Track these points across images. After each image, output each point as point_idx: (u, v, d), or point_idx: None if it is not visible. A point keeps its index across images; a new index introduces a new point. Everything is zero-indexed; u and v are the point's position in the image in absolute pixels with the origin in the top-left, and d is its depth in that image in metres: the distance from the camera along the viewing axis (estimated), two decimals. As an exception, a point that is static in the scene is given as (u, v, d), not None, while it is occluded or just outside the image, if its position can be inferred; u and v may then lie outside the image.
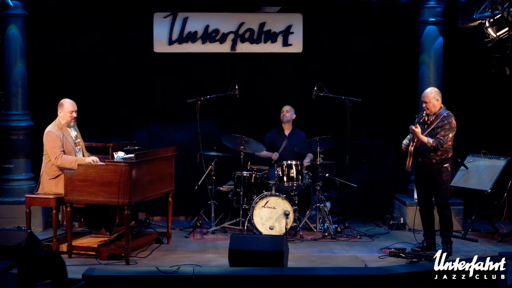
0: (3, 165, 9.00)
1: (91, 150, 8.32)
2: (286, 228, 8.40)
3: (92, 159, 7.66)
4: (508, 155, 8.85)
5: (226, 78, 9.37)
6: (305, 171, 8.87)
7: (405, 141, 7.87)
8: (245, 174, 8.90)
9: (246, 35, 9.70)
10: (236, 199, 8.90)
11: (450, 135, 7.70)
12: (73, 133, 7.92)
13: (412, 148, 7.71)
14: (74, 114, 7.85)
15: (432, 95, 7.75)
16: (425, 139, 7.63)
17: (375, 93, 9.89)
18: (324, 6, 9.60)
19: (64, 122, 7.82)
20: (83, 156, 7.92)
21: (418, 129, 7.62)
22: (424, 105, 7.78)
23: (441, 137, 7.63)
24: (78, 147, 7.95)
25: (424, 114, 7.78)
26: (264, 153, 9.35)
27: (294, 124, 9.50)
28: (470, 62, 9.66)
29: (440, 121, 7.69)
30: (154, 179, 7.88)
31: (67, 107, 7.82)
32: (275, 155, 9.31)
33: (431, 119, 7.78)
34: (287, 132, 9.49)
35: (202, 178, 8.97)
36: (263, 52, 9.78)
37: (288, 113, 9.42)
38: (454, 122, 7.72)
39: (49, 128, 7.79)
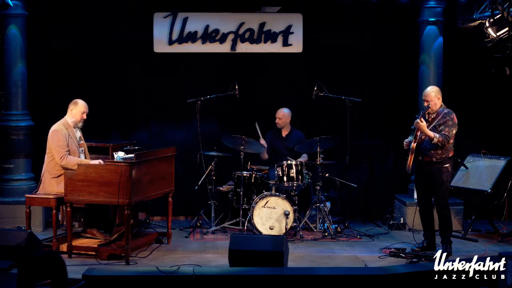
0: (3, 165, 9.00)
1: (91, 150, 8.32)
2: (286, 228, 8.39)
3: (99, 161, 7.66)
4: (508, 155, 8.85)
5: (226, 78, 9.37)
6: (305, 171, 8.87)
7: (407, 139, 7.85)
8: (245, 174, 8.89)
9: (246, 35, 9.69)
10: (236, 199, 8.90)
11: (454, 131, 7.69)
12: (78, 134, 7.93)
13: (415, 145, 7.69)
14: (85, 116, 7.87)
15: (433, 94, 7.76)
16: (431, 133, 7.60)
17: (375, 93, 9.88)
18: (324, 6, 9.60)
19: (72, 121, 7.82)
20: (85, 158, 7.92)
21: (423, 123, 7.61)
22: (425, 103, 7.77)
23: (446, 133, 7.62)
24: (82, 148, 7.94)
25: (426, 111, 7.77)
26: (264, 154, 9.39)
27: (293, 124, 9.49)
28: (470, 62, 9.66)
29: (442, 118, 7.69)
30: (154, 179, 7.88)
31: (81, 107, 7.84)
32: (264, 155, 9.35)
33: (432, 117, 7.77)
34: (284, 134, 9.47)
35: (202, 178, 8.98)
36: (263, 52, 9.76)
37: (280, 120, 9.36)
38: (455, 118, 7.72)
39: (55, 127, 7.77)
